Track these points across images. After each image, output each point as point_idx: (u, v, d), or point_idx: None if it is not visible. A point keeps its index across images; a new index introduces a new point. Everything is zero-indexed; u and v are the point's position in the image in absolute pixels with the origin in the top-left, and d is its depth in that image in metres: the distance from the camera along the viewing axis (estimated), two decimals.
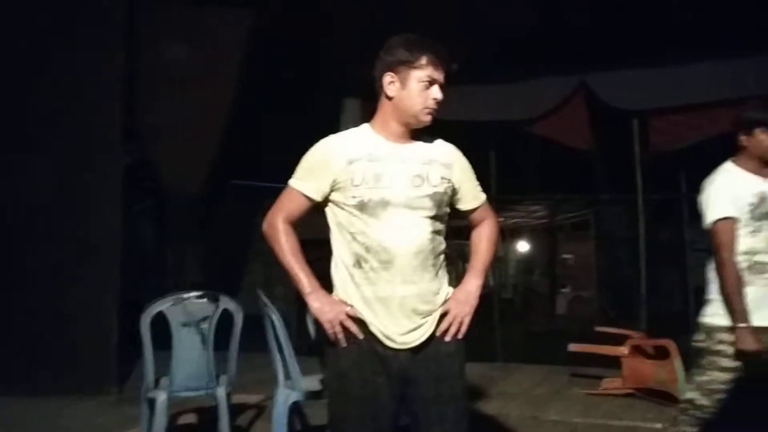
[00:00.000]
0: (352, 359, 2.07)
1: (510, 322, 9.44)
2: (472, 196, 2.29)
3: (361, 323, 2.06)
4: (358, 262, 2.07)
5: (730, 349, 2.70)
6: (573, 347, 5.35)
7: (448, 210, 2.21)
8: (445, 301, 2.17)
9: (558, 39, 6.54)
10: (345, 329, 2.05)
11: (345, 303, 2.09)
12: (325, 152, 2.12)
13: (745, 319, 2.65)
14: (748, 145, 2.79)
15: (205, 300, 3.59)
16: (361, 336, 2.05)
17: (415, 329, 2.08)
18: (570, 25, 6.59)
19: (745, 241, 2.74)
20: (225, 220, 9.64)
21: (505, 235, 14.51)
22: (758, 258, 2.72)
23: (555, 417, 4.48)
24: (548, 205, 11.78)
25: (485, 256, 2.31)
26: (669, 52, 6.16)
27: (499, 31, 6.33)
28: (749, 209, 2.73)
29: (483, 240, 2.33)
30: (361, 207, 2.05)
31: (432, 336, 2.11)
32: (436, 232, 2.14)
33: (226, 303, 3.61)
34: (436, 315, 2.13)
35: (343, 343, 2.05)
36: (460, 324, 2.14)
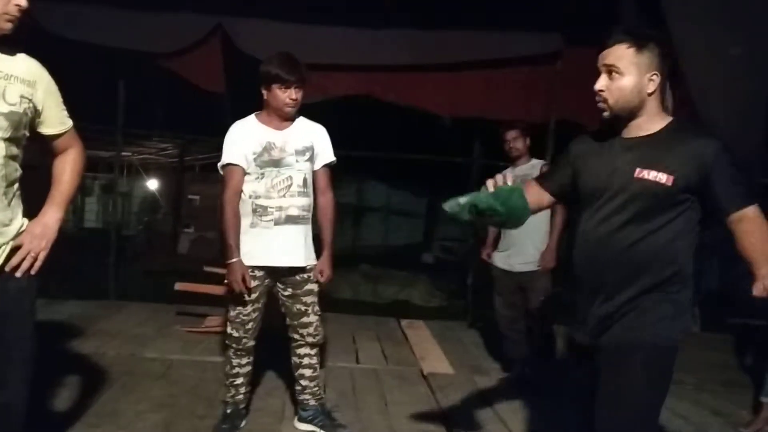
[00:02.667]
0: None
1: (128, 260, 9.17)
2: (57, 121, 2.10)
3: None
4: None
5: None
6: (179, 286, 5.42)
7: (26, 134, 2.00)
8: (19, 234, 2.01)
9: None
10: None
11: None
12: None
13: (235, 255, 3.05)
14: (267, 98, 3.11)
15: None
16: None
17: None
18: None
19: (250, 186, 3.09)
20: None
21: (131, 171, 13.95)
22: (260, 201, 3.09)
23: (153, 354, 4.51)
24: (178, 144, 11.59)
25: (68, 188, 2.16)
26: (307, 11, 6.47)
27: None
28: (253, 157, 3.07)
29: (67, 170, 2.17)
30: None
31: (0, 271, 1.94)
32: (11, 157, 1.94)
33: None
34: (6, 248, 1.96)
35: None
36: (34, 259, 2.00)
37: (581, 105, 6.68)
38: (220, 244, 3.20)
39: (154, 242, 11.79)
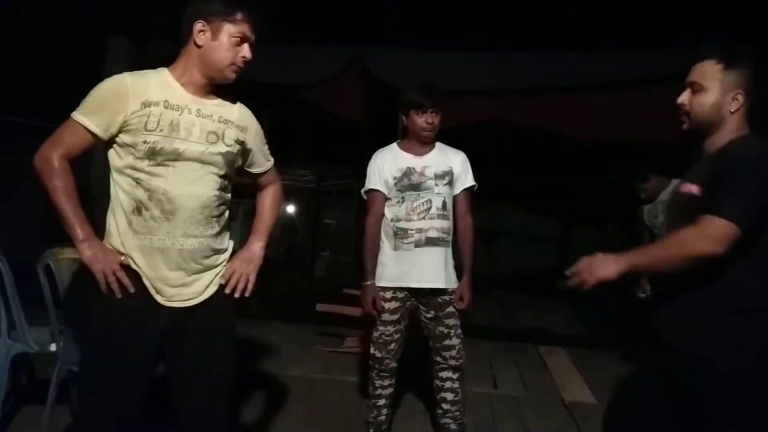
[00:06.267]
0: (118, 311, 2.00)
1: (271, 282, 9.58)
2: (263, 161, 2.33)
3: (133, 274, 2.01)
4: (138, 210, 2.00)
5: (386, 305, 3.17)
6: (320, 307, 5.62)
7: (235, 169, 2.23)
8: (229, 260, 2.22)
9: (339, 10, 6.69)
10: (118, 280, 1.98)
11: (119, 252, 2.02)
12: (120, 89, 1.99)
13: (369, 278, 3.17)
14: (407, 124, 3.20)
15: None
16: (132, 289, 2.00)
17: (192, 282, 2.09)
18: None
19: (392, 210, 3.17)
20: None
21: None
22: (401, 224, 3.16)
23: (296, 373, 4.68)
24: (316, 170, 12.04)
25: (269, 220, 2.40)
26: (441, 38, 6.55)
27: None
28: (394, 182, 3.15)
29: (268, 204, 2.41)
30: (151, 154, 1.98)
31: (209, 293, 2.14)
32: (223, 190, 2.15)
33: None
34: (216, 273, 2.16)
35: (118, 294, 1.99)
36: (246, 281, 2.21)
37: None
38: (359, 267, 3.32)
39: (293, 265, 12.24)
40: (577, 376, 5.04)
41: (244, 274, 2.20)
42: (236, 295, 2.17)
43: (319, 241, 12.82)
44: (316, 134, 10.05)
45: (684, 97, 2.05)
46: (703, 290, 1.90)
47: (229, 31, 2.03)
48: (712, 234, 1.80)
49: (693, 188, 1.95)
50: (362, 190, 3.30)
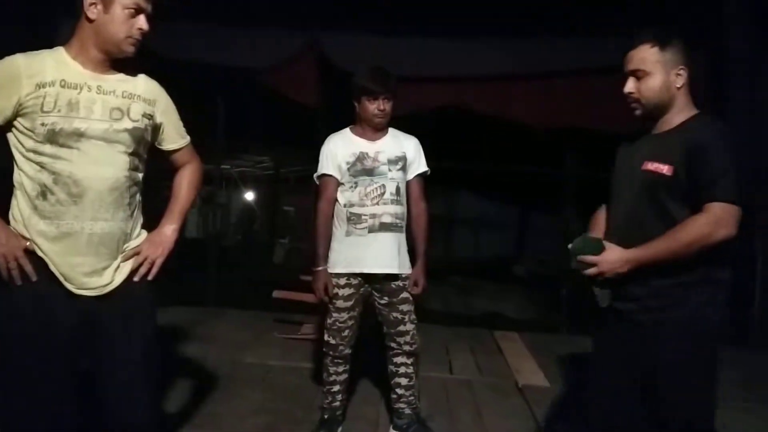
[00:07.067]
0: (25, 298, 1.93)
1: (227, 269, 9.48)
2: (176, 137, 2.24)
3: (40, 261, 1.94)
4: (44, 194, 1.92)
5: (340, 292, 3.16)
6: (277, 294, 5.58)
7: (146, 149, 2.15)
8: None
9: None
10: (20, 266, 1.90)
11: (23, 237, 1.94)
12: (12, 71, 1.90)
13: (320, 264, 3.16)
14: (359, 110, 3.18)
15: None
16: (34, 277, 1.92)
17: (102, 269, 2.02)
18: None
19: (345, 195, 3.16)
20: None
21: (230, 183, 14.45)
22: (354, 210, 3.13)
23: (252, 360, 4.65)
24: (274, 156, 11.96)
25: (185, 202, 2.30)
26: (398, 23, 6.52)
27: None
28: (347, 167, 3.13)
29: (184, 185, 2.30)
30: (51, 136, 1.90)
31: (123, 279, 2.07)
32: (134, 170, 2.07)
33: None
34: (128, 256, 2.10)
35: (17, 281, 1.91)
36: (151, 265, 2.13)
37: None
38: (311, 253, 3.30)
39: (250, 252, 12.15)
40: (530, 361, 5.12)
41: (150, 257, 2.13)
42: (136, 278, 2.10)
43: (277, 228, 12.75)
44: (273, 120, 9.93)
45: (630, 86, 2.13)
46: (658, 265, 2.00)
47: (122, 2, 1.94)
48: (725, 219, 1.92)
49: (663, 168, 2.02)
50: (314, 175, 3.27)
